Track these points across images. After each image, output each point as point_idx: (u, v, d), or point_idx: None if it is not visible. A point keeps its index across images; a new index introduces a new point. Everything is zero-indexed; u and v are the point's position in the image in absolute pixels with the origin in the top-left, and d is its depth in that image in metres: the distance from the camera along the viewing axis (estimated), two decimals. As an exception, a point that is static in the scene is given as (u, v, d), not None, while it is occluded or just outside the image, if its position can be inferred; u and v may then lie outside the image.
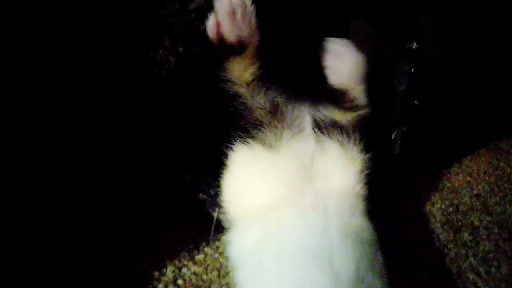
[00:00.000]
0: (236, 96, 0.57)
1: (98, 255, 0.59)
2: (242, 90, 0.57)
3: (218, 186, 0.61)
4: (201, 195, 0.65)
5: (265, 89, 0.57)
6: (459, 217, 0.72)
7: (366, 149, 0.58)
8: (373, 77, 0.60)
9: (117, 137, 0.67)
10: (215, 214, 0.64)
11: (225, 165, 0.58)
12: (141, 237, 0.63)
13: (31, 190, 0.60)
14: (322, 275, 0.47)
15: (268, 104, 0.57)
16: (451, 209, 0.74)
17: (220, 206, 0.64)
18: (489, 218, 0.72)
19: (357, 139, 0.58)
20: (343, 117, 0.59)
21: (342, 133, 0.57)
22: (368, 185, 0.57)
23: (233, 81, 0.57)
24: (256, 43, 0.55)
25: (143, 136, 0.67)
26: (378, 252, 0.52)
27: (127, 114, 0.67)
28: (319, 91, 0.60)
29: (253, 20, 0.54)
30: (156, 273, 0.59)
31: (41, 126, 0.62)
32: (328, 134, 0.57)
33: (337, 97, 0.59)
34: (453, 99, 0.91)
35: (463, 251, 0.65)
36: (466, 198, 0.77)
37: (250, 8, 0.54)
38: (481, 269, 0.61)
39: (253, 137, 0.57)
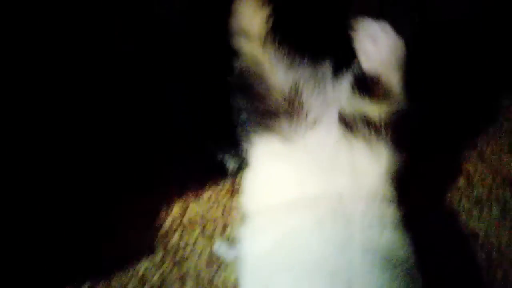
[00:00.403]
0: (253, 64, 0.53)
1: (115, 192, 0.62)
2: (257, 50, 0.53)
3: (222, 135, 0.63)
4: (208, 143, 0.68)
5: (284, 61, 0.52)
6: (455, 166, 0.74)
7: (396, 147, 0.52)
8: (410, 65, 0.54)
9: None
10: (219, 157, 0.67)
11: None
12: (151, 177, 0.66)
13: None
14: None
15: (286, 85, 0.52)
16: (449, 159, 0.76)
17: (222, 154, 0.66)
18: (484, 164, 0.74)
19: (388, 136, 0.51)
20: (373, 109, 0.52)
21: (370, 128, 0.51)
22: (397, 189, 0.51)
23: (245, 33, 0.54)
24: None
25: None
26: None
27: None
28: (348, 78, 0.55)
29: None
30: (164, 210, 0.62)
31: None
32: (355, 128, 0.51)
33: (369, 86, 0.53)
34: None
35: (457, 195, 0.67)
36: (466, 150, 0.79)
37: None
38: (474, 211, 0.64)
39: (266, 127, 0.53)
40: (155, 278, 0.51)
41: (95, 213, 0.60)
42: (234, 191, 0.66)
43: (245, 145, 0.57)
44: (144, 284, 0.50)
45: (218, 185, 0.66)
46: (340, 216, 0.45)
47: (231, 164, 0.67)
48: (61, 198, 0.60)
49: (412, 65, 0.55)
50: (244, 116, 0.54)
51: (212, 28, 0.57)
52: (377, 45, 0.53)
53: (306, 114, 0.52)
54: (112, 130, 0.68)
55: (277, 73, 0.52)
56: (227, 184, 0.67)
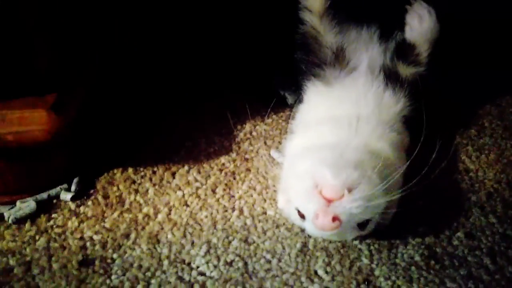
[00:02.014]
0: (311, 27, 0.71)
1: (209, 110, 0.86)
2: (315, 20, 0.71)
3: (288, 71, 0.83)
4: (276, 78, 0.89)
5: (334, 30, 0.70)
6: (473, 119, 0.88)
7: (411, 99, 0.69)
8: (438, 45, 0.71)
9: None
10: (282, 93, 0.88)
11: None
12: (230, 103, 0.89)
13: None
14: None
15: (334, 46, 0.70)
16: (470, 112, 0.90)
17: (285, 88, 0.87)
18: (499, 122, 0.87)
19: (407, 91, 0.69)
20: (404, 69, 0.71)
21: (397, 82, 0.69)
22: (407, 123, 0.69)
23: (307, 7, 0.72)
24: None
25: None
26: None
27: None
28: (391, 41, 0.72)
29: None
30: (239, 127, 0.85)
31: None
32: (388, 80, 0.69)
33: (405, 50, 0.71)
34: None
35: (465, 141, 0.82)
36: (488, 106, 0.92)
37: None
38: (473, 154, 0.79)
39: (316, 74, 0.71)
40: (231, 167, 0.75)
41: (193, 120, 0.85)
42: (289, 119, 0.87)
43: (300, 86, 0.78)
44: (222, 170, 0.75)
45: (278, 114, 0.88)
46: (353, 125, 0.64)
47: (289, 99, 0.88)
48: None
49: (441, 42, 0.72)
50: (302, 65, 0.74)
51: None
52: (421, 23, 0.70)
53: (347, 64, 0.71)
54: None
55: (328, 36, 0.71)
56: (284, 114, 0.88)
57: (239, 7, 0.90)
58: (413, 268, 0.59)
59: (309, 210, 0.55)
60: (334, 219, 0.52)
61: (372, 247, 0.62)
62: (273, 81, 0.89)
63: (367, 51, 0.73)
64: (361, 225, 0.57)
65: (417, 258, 0.60)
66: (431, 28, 0.70)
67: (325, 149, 0.61)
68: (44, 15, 0.62)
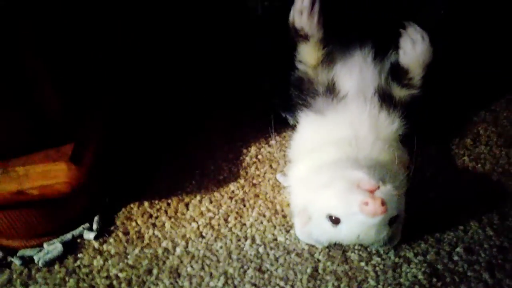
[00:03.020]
0: (305, 73, 0.75)
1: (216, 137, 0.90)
2: (309, 70, 0.74)
3: (286, 97, 0.86)
4: (275, 101, 0.92)
5: (327, 70, 0.73)
6: (470, 126, 0.91)
7: (406, 118, 0.72)
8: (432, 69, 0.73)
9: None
10: (283, 115, 0.91)
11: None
12: (234, 127, 0.92)
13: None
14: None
15: (326, 82, 0.73)
16: (465, 120, 0.92)
17: (286, 110, 0.90)
18: (493, 129, 0.90)
19: (402, 111, 0.72)
20: (398, 91, 0.74)
21: (391, 104, 0.72)
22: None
23: (302, 61, 0.75)
24: (320, 36, 0.71)
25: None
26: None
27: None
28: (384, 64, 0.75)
29: (316, 19, 0.69)
30: (245, 150, 0.88)
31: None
32: (382, 102, 0.72)
33: (399, 73, 0.73)
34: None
35: (461, 152, 0.85)
36: (482, 112, 0.94)
37: (316, 9, 0.69)
38: (470, 164, 0.83)
39: (307, 106, 0.74)
40: (240, 194, 0.79)
41: (196, 152, 0.88)
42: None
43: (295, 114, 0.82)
44: (232, 198, 0.78)
45: (281, 135, 0.91)
46: (353, 144, 0.68)
47: (291, 120, 0.91)
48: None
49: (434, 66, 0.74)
50: (295, 99, 0.77)
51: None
52: (414, 48, 0.72)
53: (338, 93, 0.74)
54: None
55: (321, 77, 0.74)
56: (287, 135, 0.91)
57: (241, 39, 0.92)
58: (417, 286, 0.63)
59: (353, 203, 0.58)
60: (382, 203, 0.56)
61: (377, 268, 0.66)
62: (274, 104, 0.92)
63: (360, 73, 0.76)
64: (391, 222, 0.60)
65: (420, 276, 0.64)
66: (424, 52, 0.72)
67: (340, 161, 0.65)
68: (50, 62, 0.65)
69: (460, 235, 0.70)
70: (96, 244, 0.71)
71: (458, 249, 0.68)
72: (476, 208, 0.73)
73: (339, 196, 0.60)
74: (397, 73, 0.74)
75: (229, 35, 0.92)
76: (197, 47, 0.97)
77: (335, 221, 0.61)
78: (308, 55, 0.73)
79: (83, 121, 0.71)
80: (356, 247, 0.68)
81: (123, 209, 0.77)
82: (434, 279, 0.64)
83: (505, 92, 0.97)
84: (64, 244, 0.71)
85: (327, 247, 0.68)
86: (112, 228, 0.74)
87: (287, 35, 0.75)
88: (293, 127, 0.91)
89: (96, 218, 0.74)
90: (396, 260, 0.67)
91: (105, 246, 0.71)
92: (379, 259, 0.67)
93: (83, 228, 0.73)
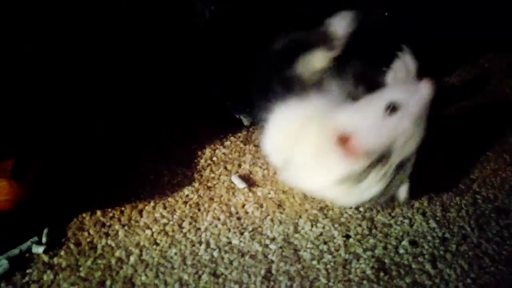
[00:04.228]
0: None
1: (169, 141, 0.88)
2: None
3: (239, 99, 0.86)
4: (228, 103, 0.92)
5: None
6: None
7: None
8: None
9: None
10: (237, 116, 0.91)
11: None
12: (189, 130, 0.91)
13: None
14: None
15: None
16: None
17: (240, 113, 0.90)
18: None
19: None
20: None
21: None
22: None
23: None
24: None
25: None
26: None
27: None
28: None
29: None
30: (199, 153, 0.88)
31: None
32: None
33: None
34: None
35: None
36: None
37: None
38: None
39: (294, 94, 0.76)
40: (194, 198, 0.79)
41: (148, 155, 0.87)
42: (247, 140, 0.91)
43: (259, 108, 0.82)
44: (186, 202, 0.78)
45: (236, 135, 0.91)
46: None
47: (245, 121, 0.92)
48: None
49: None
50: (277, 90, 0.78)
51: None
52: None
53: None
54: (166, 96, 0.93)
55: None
56: (242, 134, 0.91)
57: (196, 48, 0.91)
58: (365, 282, 0.65)
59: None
60: None
61: (328, 266, 0.68)
62: (227, 106, 0.91)
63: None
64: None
65: (368, 271, 0.67)
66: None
67: None
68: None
69: (406, 229, 0.73)
70: (46, 258, 0.69)
71: (404, 242, 0.70)
72: (420, 201, 0.77)
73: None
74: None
75: (177, 41, 0.90)
76: (146, 53, 0.94)
77: (394, 108, 0.65)
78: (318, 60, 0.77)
79: (24, 135, 0.68)
80: (308, 246, 0.70)
81: (75, 219, 0.75)
82: (382, 273, 0.66)
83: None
84: (10, 260, 0.68)
85: (280, 247, 0.70)
86: (63, 240, 0.72)
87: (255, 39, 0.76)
88: (248, 128, 0.91)
89: (45, 231, 0.72)
90: (346, 256, 0.69)
91: (55, 260, 0.69)
92: (330, 256, 0.69)
93: (32, 242, 0.70)
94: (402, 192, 0.69)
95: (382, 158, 0.65)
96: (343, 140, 0.66)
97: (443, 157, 0.85)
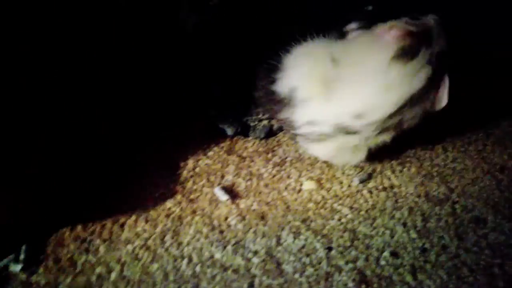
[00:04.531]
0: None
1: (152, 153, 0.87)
2: None
3: (222, 109, 0.86)
4: (211, 112, 0.91)
5: None
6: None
7: None
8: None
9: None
10: (220, 126, 0.91)
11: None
12: (171, 141, 0.90)
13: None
14: None
15: None
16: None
17: (223, 124, 0.90)
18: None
19: None
20: None
21: None
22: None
23: None
24: None
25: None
26: None
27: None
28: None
29: None
30: (182, 163, 0.87)
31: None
32: None
33: None
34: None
35: (387, 157, 0.89)
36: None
37: None
38: (397, 169, 0.87)
39: None
40: (177, 211, 0.78)
41: (131, 166, 0.86)
42: (230, 150, 0.90)
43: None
44: (169, 216, 0.77)
45: (219, 145, 0.91)
46: None
47: (229, 131, 0.91)
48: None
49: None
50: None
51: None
52: None
53: None
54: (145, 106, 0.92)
55: None
56: (226, 145, 0.91)
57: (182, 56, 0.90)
58: (347, 294, 0.66)
59: None
60: None
61: (311, 279, 0.68)
62: (211, 116, 0.91)
63: None
64: None
65: (350, 284, 0.67)
66: None
67: None
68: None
69: (387, 240, 0.73)
70: (23, 276, 0.68)
71: (385, 253, 0.71)
72: (401, 212, 0.77)
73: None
74: None
75: (159, 52, 0.89)
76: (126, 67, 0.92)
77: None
78: None
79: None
80: (290, 259, 0.70)
81: (54, 235, 0.73)
82: (363, 286, 0.67)
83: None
84: (-12, 279, 0.66)
85: (263, 261, 0.70)
86: (42, 256, 0.70)
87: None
88: (231, 138, 0.91)
89: (23, 248, 0.70)
90: (328, 269, 0.69)
91: (34, 278, 0.68)
92: (312, 269, 0.69)
93: (8, 260, 0.69)
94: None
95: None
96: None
97: (424, 165, 0.86)
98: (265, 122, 0.93)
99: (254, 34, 0.83)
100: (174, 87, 0.91)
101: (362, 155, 0.79)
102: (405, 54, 0.71)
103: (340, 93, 0.73)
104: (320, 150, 0.81)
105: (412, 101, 0.72)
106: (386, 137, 0.77)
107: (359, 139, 0.76)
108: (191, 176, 0.85)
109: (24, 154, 0.71)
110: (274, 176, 0.85)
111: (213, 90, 0.88)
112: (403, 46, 0.71)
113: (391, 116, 0.72)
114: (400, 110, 0.72)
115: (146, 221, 0.76)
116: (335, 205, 0.79)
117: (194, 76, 0.88)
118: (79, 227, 0.75)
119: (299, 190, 0.82)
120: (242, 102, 0.91)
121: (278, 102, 0.78)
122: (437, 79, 0.73)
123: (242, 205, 0.79)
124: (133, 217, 0.76)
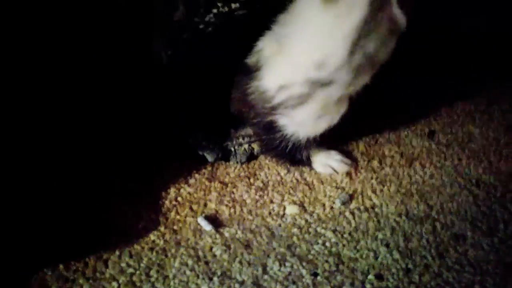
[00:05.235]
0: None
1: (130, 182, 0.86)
2: None
3: (201, 136, 0.86)
4: (190, 140, 0.91)
5: None
6: (376, 148, 0.97)
7: None
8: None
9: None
10: (200, 153, 0.91)
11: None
12: (152, 169, 0.90)
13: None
14: None
15: None
16: (372, 141, 0.99)
17: (203, 150, 0.90)
18: (396, 149, 0.97)
19: None
20: None
21: None
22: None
23: None
24: None
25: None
26: None
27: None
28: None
29: None
30: (163, 193, 0.87)
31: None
32: None
33: None
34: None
35: (370, 175, 0.91)
36: (386, 132, 1.01)
37: None
38: (377, 188, 0.88)
39: None
40: (161, 243, 0.77)
41: (113, 198, 0.85)
42: (212, 177, 0.90)
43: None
44: (153, 249, 0.76)
45: (200, 172, 0.91)
46: None
47: (209, 157, 0.91)
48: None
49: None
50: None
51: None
52: None
53: None
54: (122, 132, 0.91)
55: None
56: (207, 171, 0.91)
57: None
58: (334, 321, 0.66)
59: None
60: None
61: (298, 307, 0.68)
62: (190, 143, 0.91)
63: None
64: None
65: (337, 310, 0.68)
66: None
67: None
68: None
69: (371, 262, 0.74)
70: (6, 323, 0.66)
71: (370, 276, 0.72)
72: (384, 232, 0.79)
73: None
74: None
75: (135, 83, 0.89)
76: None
77: None
78: None
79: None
80: (277, 287, 0.70)
81: (36, 276, 0.72)
82: (350, 311, 0.68)
83: (407, 112, 1.05)
84: (-33, 328, 0.64)
85: (250, 292, 0.70)
86: (23, 301, 0.69)
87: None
88: (212, 164, 0.91)
89: (4, 293, 0.68)
90: (314, 295, 0.70)
91: (16, 324, 0.66)
92: (298, 296, 0.69)
93: (-10, 307, 0.67)
94: None
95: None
96: None
97: (403, 183, 0.88)
98: (245, 146, 0.93)
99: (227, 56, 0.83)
100: (151, 116, 0.91)
101: (344, 106, 0.81)
102: None
103: (295, 49, 0.76)
104: (306, 114, 0.81)
105: (362, 30, 0.72)
106: (365, 79, 0.78)
107: (339, 89, 0.77)
108: (174, 206, 0.84)
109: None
110: (257, 201, 0.85)
111: (191, 119, 0.87)
112: None
113: (351, 53, 0.73)
114: (355, 43, 0.73)
115: (131, 256, 0.75)
116: (318, 229, 0.79)
117: (171, 104, 0.87)
118: (61, 267, 0.73)
119: (283, 215, 0.82)
120: (221, 127, 0.92)
121: (248, 73, 0.80)
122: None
123: (226, 234, 0.79)
124: (117, 252, 0.75)
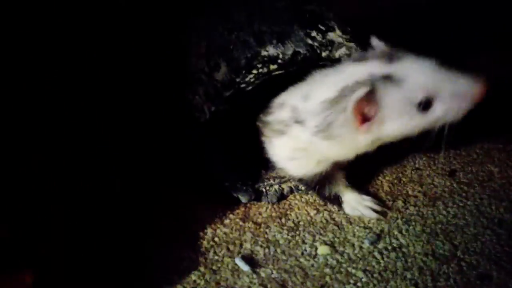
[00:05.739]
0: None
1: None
2: None
3: (235, 179, 0.92)
4: (225, 183, 0.97)
5: None
6: (399, 187, 1.02)
7: None
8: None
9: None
10: (235, 195, 0.97)
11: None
12: (188, 211, 0.96)
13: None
14: None
15: None
16: (396, 180, 1.03)
17: (237, 192, 0.96)
18: (419, 188, 1.01)
19: None
20: None
21: None
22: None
23: None
24: None
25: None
26: None
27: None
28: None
29: None
30: (201, 233, 0.92)
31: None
32: None
33: None
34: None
35: (395, 215, 0.95)
36: (408, 171, 1.06)
37: None
38: (403, 228, 0.92)
39: None
40: (202, 283, 0.82)
41: (153, 237, 0.90)
42: (245, 217, 0.95)
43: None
44: (195, 288, 0.82)
45: (234, 212, 0.96)
46: None
47: (243, 198, 0.97)
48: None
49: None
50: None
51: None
52: None
53: None
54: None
55: None
56: (240, 211, 0.96)
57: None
58: None
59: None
60: None
61: None
62: (225, 186, 0.97)
63: None
64: None
65: None
66: None
67: None
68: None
69: (401, 302, 0.78)
70: None
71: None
72: (412, 272, 0.83)
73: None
74: None
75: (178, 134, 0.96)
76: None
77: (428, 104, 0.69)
78: None
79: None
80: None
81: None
82: None
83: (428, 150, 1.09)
84: None
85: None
86: None
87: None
88: (245, 204, 0.96)
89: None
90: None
91: None
92: (335, 337, 0.73)
93: None
94: None
95: None
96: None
97: (428, 222, 0.92)
98: (275, 186, 0.99)
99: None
100: (190, 160, 0.97)
101: (315, 168, 0.86)
102: None
103: None
104: (279, 148, 0.88)
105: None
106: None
107: (307, 134, 0.80)
108: (211, 246, 0.89)
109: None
110: (289, 241, 0.90)
111: (228, 164, 0.94)
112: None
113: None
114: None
115: (174, 297, 0.80)
116: (349, 269, 0.84)
117: (209, 151, 0.94)
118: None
119: (315, 255, 0.87)
120: (253, 170, 0.98)
121: None
122: None
123: (262, 274, 0.83)
124: (161, 292, 0.80)
